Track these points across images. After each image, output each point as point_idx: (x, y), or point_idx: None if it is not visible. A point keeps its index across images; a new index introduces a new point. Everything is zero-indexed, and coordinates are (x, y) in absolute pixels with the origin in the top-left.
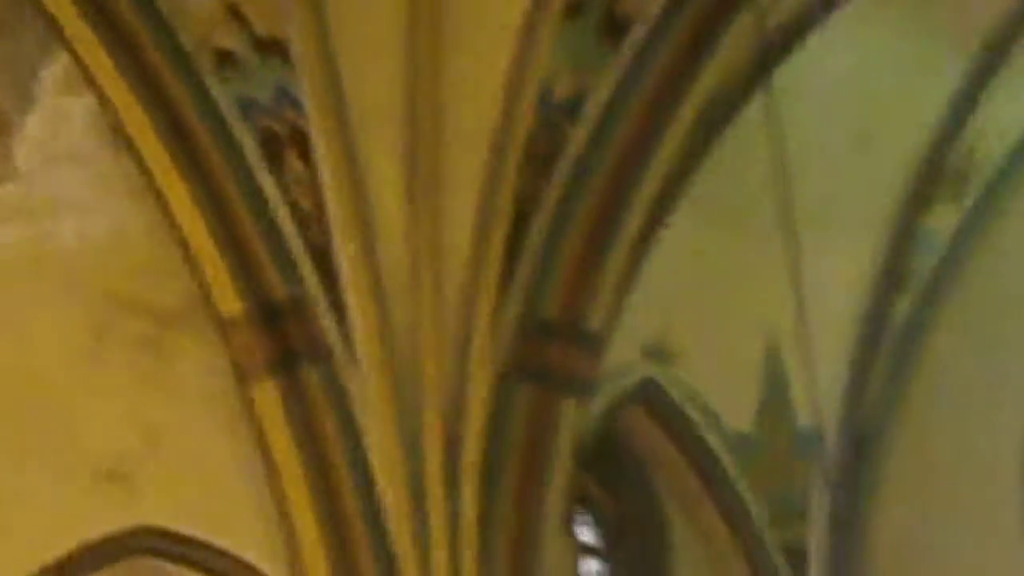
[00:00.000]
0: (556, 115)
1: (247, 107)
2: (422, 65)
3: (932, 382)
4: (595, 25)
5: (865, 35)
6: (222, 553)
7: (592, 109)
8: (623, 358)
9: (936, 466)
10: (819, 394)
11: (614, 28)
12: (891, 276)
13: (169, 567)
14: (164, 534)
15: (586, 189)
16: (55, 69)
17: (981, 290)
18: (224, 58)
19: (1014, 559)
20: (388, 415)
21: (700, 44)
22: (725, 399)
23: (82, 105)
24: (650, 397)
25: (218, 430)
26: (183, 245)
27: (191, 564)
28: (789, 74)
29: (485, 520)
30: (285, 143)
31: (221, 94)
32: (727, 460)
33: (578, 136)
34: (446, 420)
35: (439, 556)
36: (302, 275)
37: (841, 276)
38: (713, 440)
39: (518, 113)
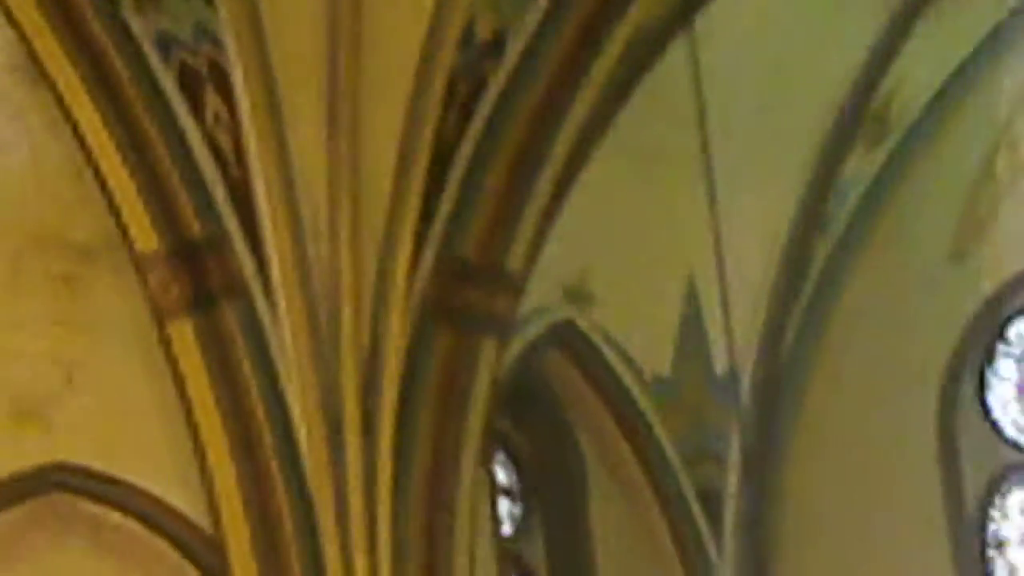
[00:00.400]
0: (477, 56)
1: (166, 43)
2: (344, 4)
3: (848, 327)
4: None
5: None
6: (138, 490)
7: (513, 51)
8: (541, 300)
9: (851, 410)
10: (735, 338)
11: None
12: (809, 221)
13: (85, 504)
14: (79, 471)
15: (506, 130)
16: None
17: (898, 236)
18: None
19: (927, 500)
20: (305, 354)
21: None
22: (642, 342)
23: None
24: (568, 339)
25: (134, 367)
26: (100, 182)
27: (107, 501)
28: (710, 19)
29: (401, 460)
30: (204, 80)
31: (140, 29)
32: (643, 402)
33: (499, 77)
34: (363, 360)
35: (355, 496)
36: (220, 213)
37: (759, 221)
38: (630, 382)
39: (439, 54)
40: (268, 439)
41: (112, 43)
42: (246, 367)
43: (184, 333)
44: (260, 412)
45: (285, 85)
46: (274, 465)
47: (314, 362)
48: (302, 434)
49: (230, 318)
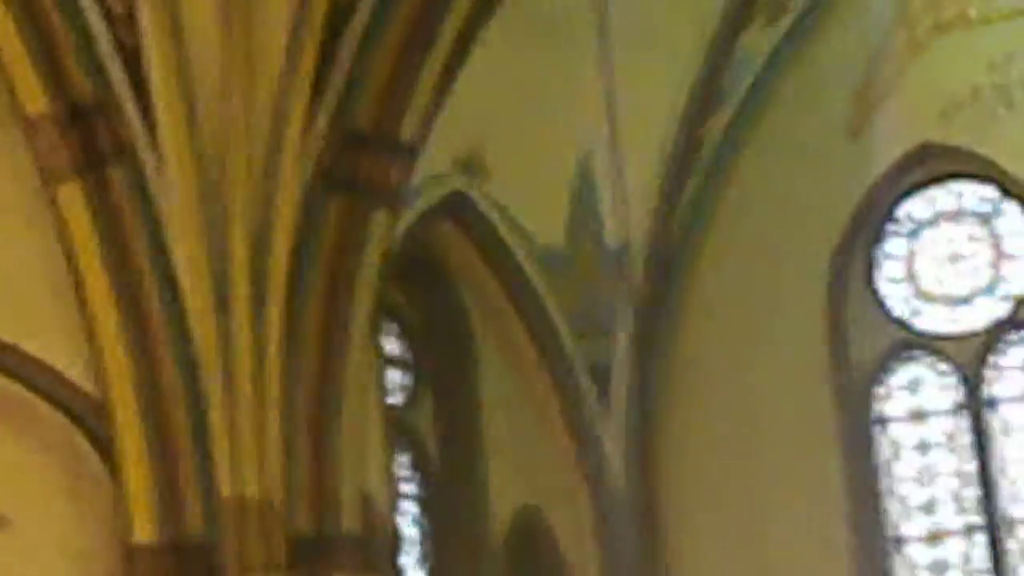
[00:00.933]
0: None
1: None
2: None
3: (741, 202)
4: None
5: None
6: (25, 355)
7: None
8: (434, 170)
9: (742, 285)
10: (628, 212)
11: None
12: (705, 96)
13: None
14: None
15: None
16: None
17: (794, 111)
18: None
19: (814, 376)
20: (194, 220)
21: None
22: (535, 214)
23: None
24: (460, 210)
25: (22, 231)
26: None
27: None
28: None
29: (290, 329)
30: None
31: None
32: (535, 275)
33: None
34: (254, 227)
35: (243, 365)
36: (110, 76)
37: (655, 95)
38: (521, 255)
39: None
40: (156, 306)
41: None
42: (134, 232)
43: (73, 197)
44: (148, 278)
45: None
46: (162, 332)
47: (203, 228)
48: (190, 301)
49: (119, 182)
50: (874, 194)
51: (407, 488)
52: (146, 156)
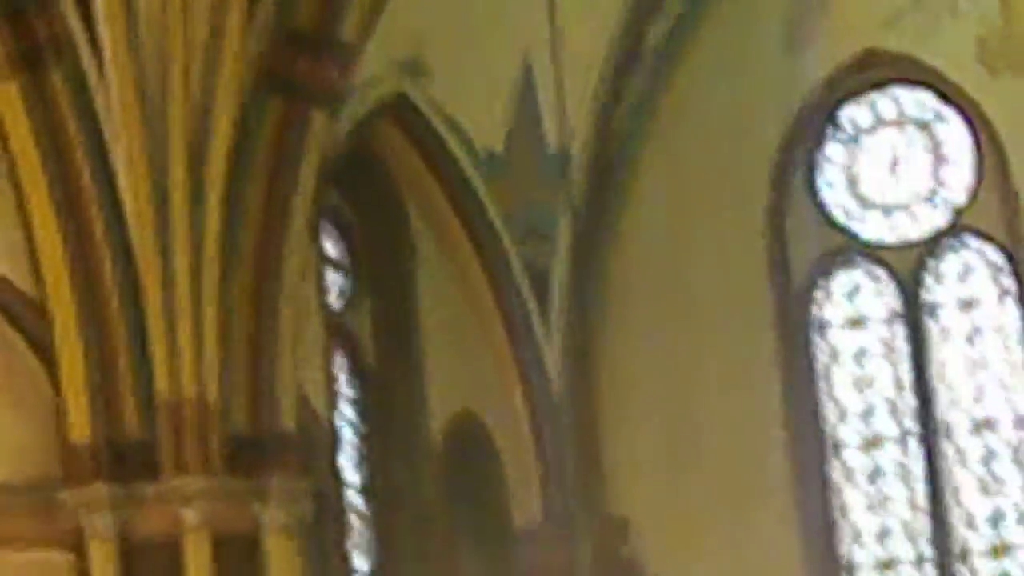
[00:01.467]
0: None
1: None
2: None
3: (681, 108)
4: None
5: None
6: None
7: None
8: (375, 71)
9: (683, 189)
10: (569, 117)
11: None
12: (646, 0)
13: None
14: None
15: None
16: None
17: (735, 16)
18: None
19: (754, 282)
20: (133, 120)
21: None
22: (476, 118)
23: None
24: (401, 112)
25: None
26: None
27: None
28: None
29: (229, 230)
30: None
31: None
32: (475, 178)
33: None
34: (192, 128)
35: (181, 265)
36: None
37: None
38: (462, 158)
39: None
40: (94, 205)
41: None
42: (72, 129)
43: (9, 94)
44: (86, 177)
45: None
46: (99, 232)
47: (142, 128)
48: (128, 200)
49: (57, 79)
50: (815, 99)
51: (344, 390)
52: (84, 53)
